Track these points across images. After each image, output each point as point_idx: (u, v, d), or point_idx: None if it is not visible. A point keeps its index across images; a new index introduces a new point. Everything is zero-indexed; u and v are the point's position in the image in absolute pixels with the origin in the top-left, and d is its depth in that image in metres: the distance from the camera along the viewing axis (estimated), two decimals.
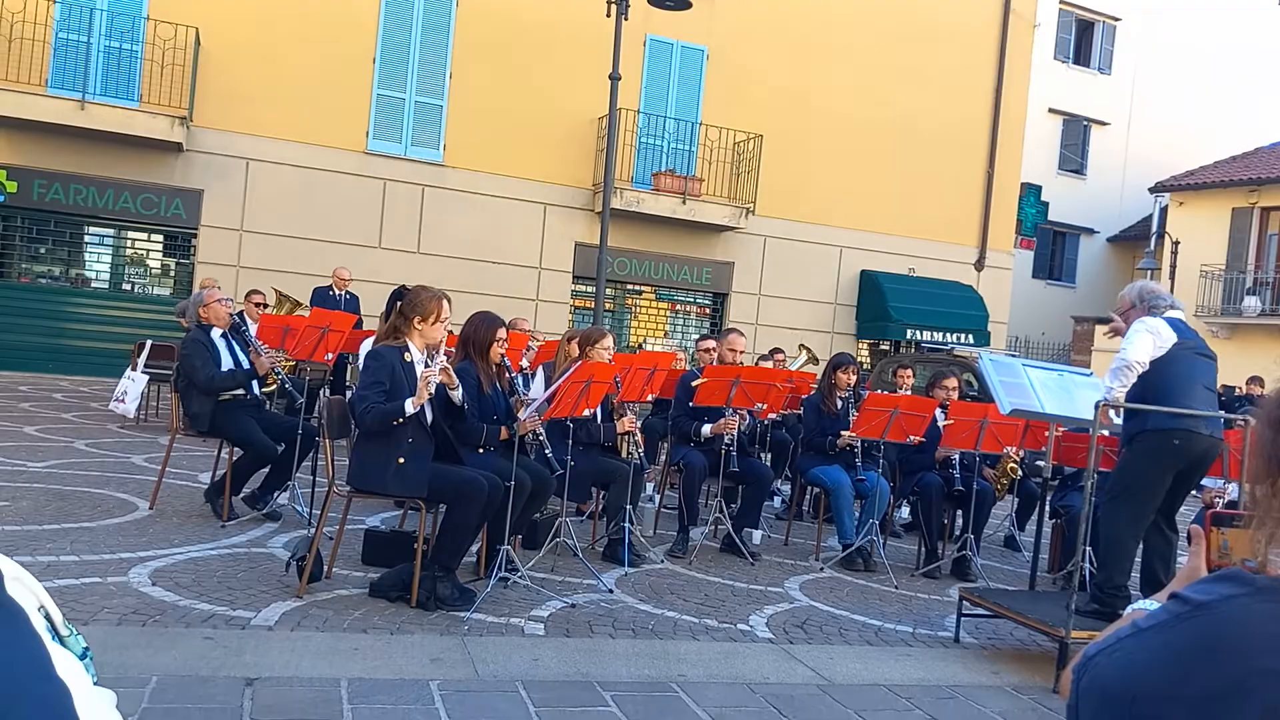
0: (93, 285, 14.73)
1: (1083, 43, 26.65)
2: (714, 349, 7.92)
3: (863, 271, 18.13)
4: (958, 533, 7.15)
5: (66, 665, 0.72)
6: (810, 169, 17.40)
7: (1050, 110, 25.40)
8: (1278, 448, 1.04)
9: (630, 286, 17.39)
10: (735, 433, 6.55)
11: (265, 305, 9.56)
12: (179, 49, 13.72)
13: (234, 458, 6.13)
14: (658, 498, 7.46)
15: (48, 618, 0.76)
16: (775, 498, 8.47)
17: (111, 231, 14.74)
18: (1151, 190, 23.53)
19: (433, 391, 4.66)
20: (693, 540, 6.56)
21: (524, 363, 7.71)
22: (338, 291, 11.42)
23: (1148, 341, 4.85)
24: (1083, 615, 4.70)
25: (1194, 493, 8.18)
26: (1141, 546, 5.25)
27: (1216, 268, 21.57)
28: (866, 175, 17.79)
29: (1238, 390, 14.42)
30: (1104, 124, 26.47)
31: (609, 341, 6.33)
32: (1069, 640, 4.51)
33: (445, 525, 4.83)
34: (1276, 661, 0.96)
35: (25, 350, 13.97)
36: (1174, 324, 4.93)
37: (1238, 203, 21.54)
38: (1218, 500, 6.22)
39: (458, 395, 4.89)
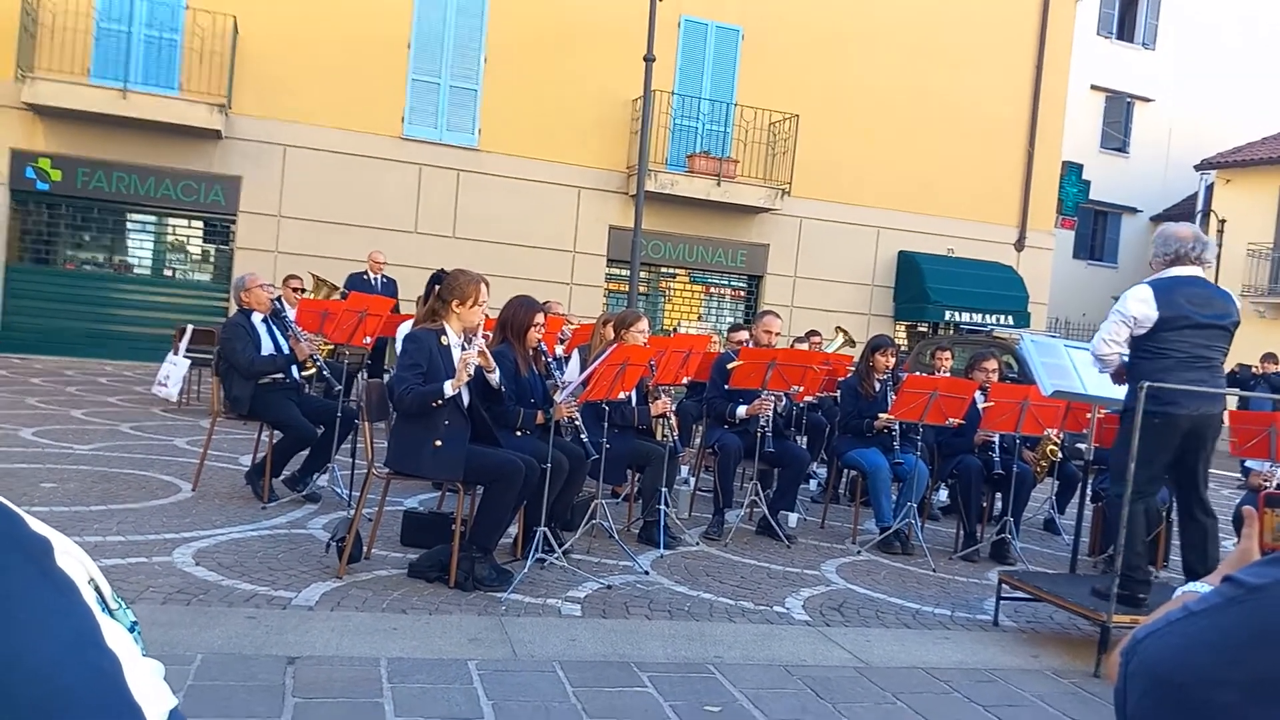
0: (135, 271, 14.96)
1: (1126, 17, 26.10)
2: (745, 339, 7.87)
3: (900, 252, 17.94)
4: (997, 515, 7.08)
5: (116, 636, 0.73)
6: (846, 149, 17.22)
7: (1092, 87, 24.93)
8: None
9: (664, 269, 17.35)
10: (770, 414, 6.52)
11: (303, 290, 9.66)
12: (217, 37, 13.84)
13: (274, 440, 6.22)
14: (693, 480, 7.46)
15: (97, 590, 0.77)
16: (811, 480, 8.43)
17: (153, 218, 14.95)
18: (1197, 168, 23.03)
19: (472, 374, 4.69)
20: (728, 523, 6.56)
21: (559, 347, 7.73)
22: (373, 275, 11.50)
23: (1117, 330, 4.66)
24: (1102, 598, 4.61)
25: (1239, 476, 8.01)
26: (1178, 537, 5.14)
27: (1264, 246, 21.10)
28: (904, 155, 17.58)
29: (1254, 369, 14.05)
30: (1148, 100, 25.94)
31: (644, 324, 6.32)
32: (1110, 624, 4.46)
33: (483, 507, 4.86)
34: None
35: (71, 335, 14.24)
36: (1171, 291, 4.62)
37: None
38: (1265, 483, 6.10)
39: (495, 378, 4.91)
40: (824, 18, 17.01)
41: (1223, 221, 21.47)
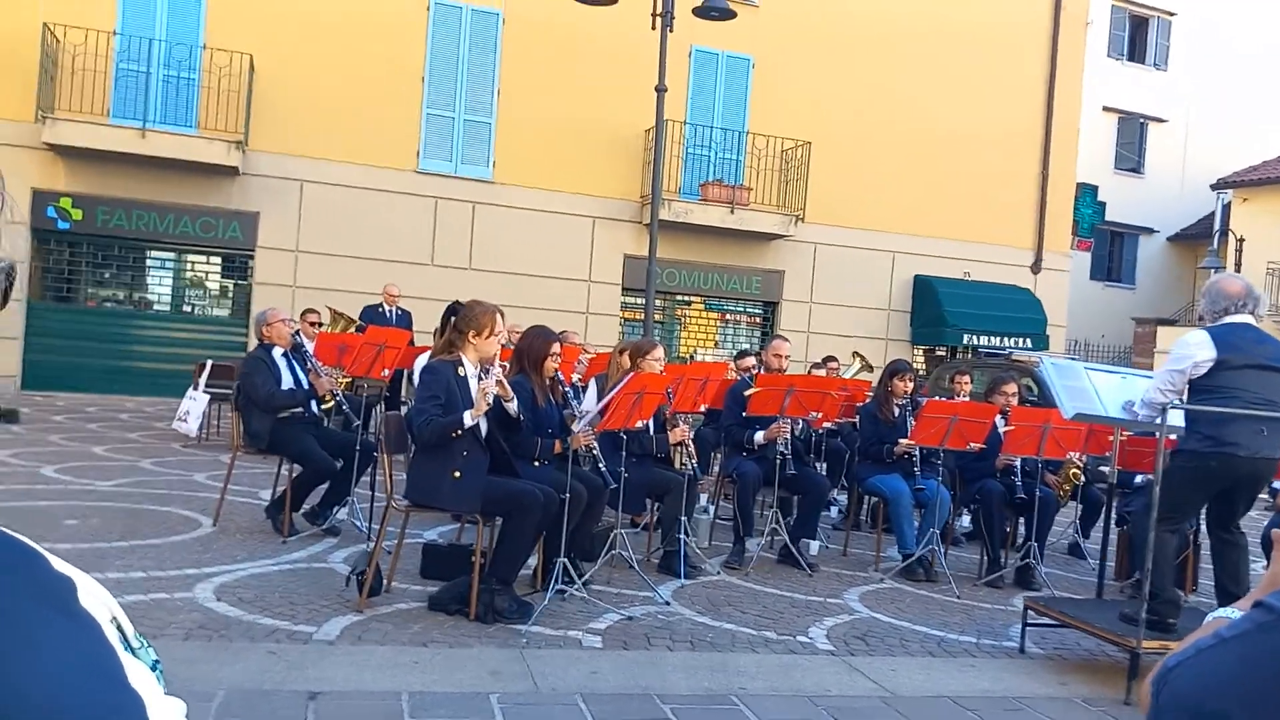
0: (155, 308, 15.10)
1: (1137, 39, 26.13)
2: (754, 365, 7.84)
3: (916, 276, 17.90)
4: (1021, 541, 7.00)
5: (139, 675, 0.73)
6: (860, 174, 17.25)
7: (1105, 108, 24.92)
8: None
9: (680, 297, 17.37)
10: (789, 440, 6.49)
11: (320, 324, 9.72)
12: (234, 75, 14.04)
13: (294, 474, 6.23)
14: (712, 509, 7.42)
15: (120, 629, 0.77)
16: (832, 508, 8.37)
17: (172, 255, 15.11)
18: (1213, 187, 22.94)
19: (490, 403, 4.69)
20: (749, 551, 6.51)
21: (575, 376, 7.74)
22: (388, 308, 11.56)
23: (1173, 379, 4.64)
24: (1130, 623, 4.56)
25: (1267, 498, 7.94)
26: (1211, 558, 5.10)
27: None
28: (917, 179, 17.59)
29: None
30: (1161, 121, 25.90)
31: (660, 352, 6.32)
32: (1140, 650, 4.39)
33: (502, 538, 4.85)
34: None
35: (92, 372, 14.35)
36: (1228, 335, 4.65)
37: None
38: None
39: (513, 407, 4.91)
40: (834, 45, 17.10)
41: (1241, 240, 21.35)
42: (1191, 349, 4.65)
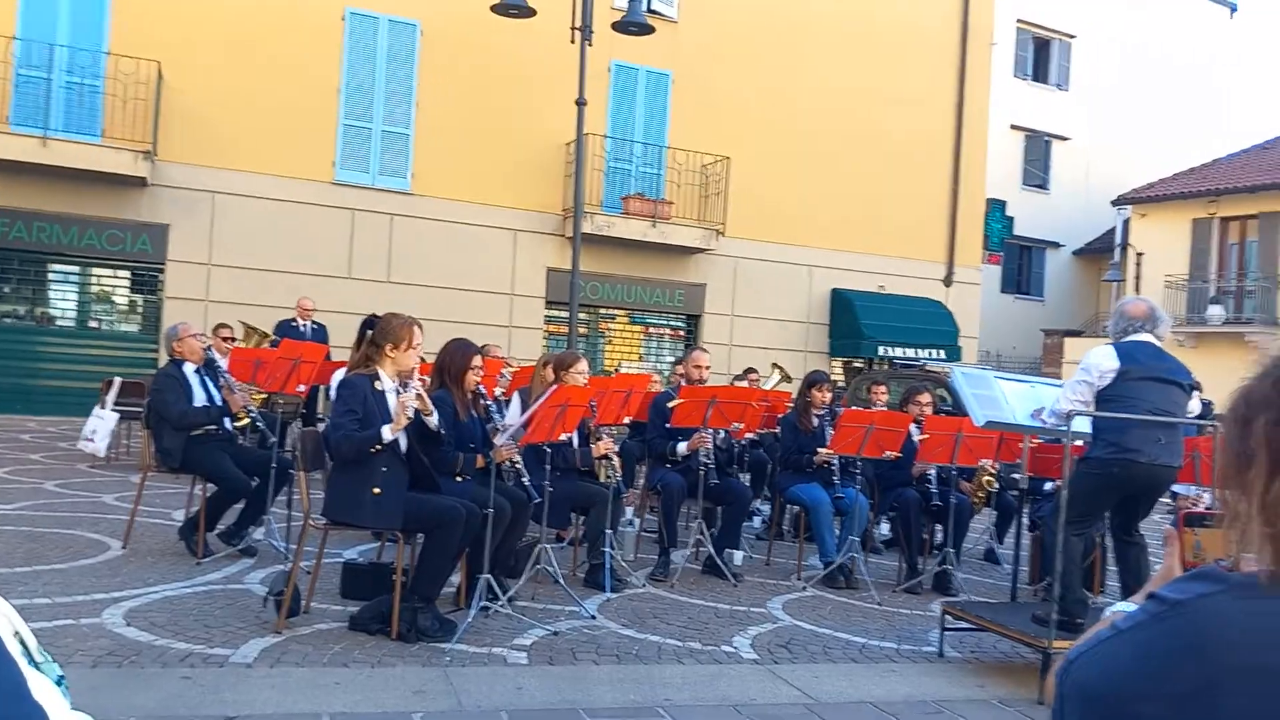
0: (58, 323, 14.54)
1: (1040, 60, 27.11)
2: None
3: (834, 290, 18.25)
4: (938, 547, 7.17)
5: (42, 689, 0.71)
6: (778, 190, 17.53)
7: (1012, 126, 25.79)
8: (1245, 443, 1.06)
9: (603, 310, 17.40)
10: (712, 450, 6.54)
11: (233, 339, 9.47)
12: (141, 83, 13.64)
13: (207, 494, 6.06)
14: (637, 521, 7.43)
15: (22, 643, 0.75)
16: (755, 517, 8.46)
17: (76, 269, 14.58)
18: (1114, 203, 23.90)
19: (410, 417, 4.63)
20: (674, 563, 6.54)
21: (498, 390, 7.69)
22: (302, 322, 11.33)
23: (1083, 390, 4.91)
24: (1042, 624, 4.73)
25: (1168, 501, 8.27)
26: (1115, 560, 5.33)
27: (1180, 278, 21.91)
28: (834, 195, 17.95)
29: None
30: (1065, 139, 26.90)
31: (584, 365, 6.33)
32: (1051, 650, 4.53)
33: (424, 555, 4.79)
34: (1251, 658, 0.96)
35: None
36: (1130, 349, 4.93)
37: (1198, 214, 21.92)
38: (1193, 507, 6.28)
39: (434, 421, 4.86)
40: (751, 61, 17.37)
41: (1140, 254, 22.26)
42: (1097, 359, 4.91)
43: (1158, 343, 5.05)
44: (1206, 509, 1.25)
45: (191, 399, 6.16)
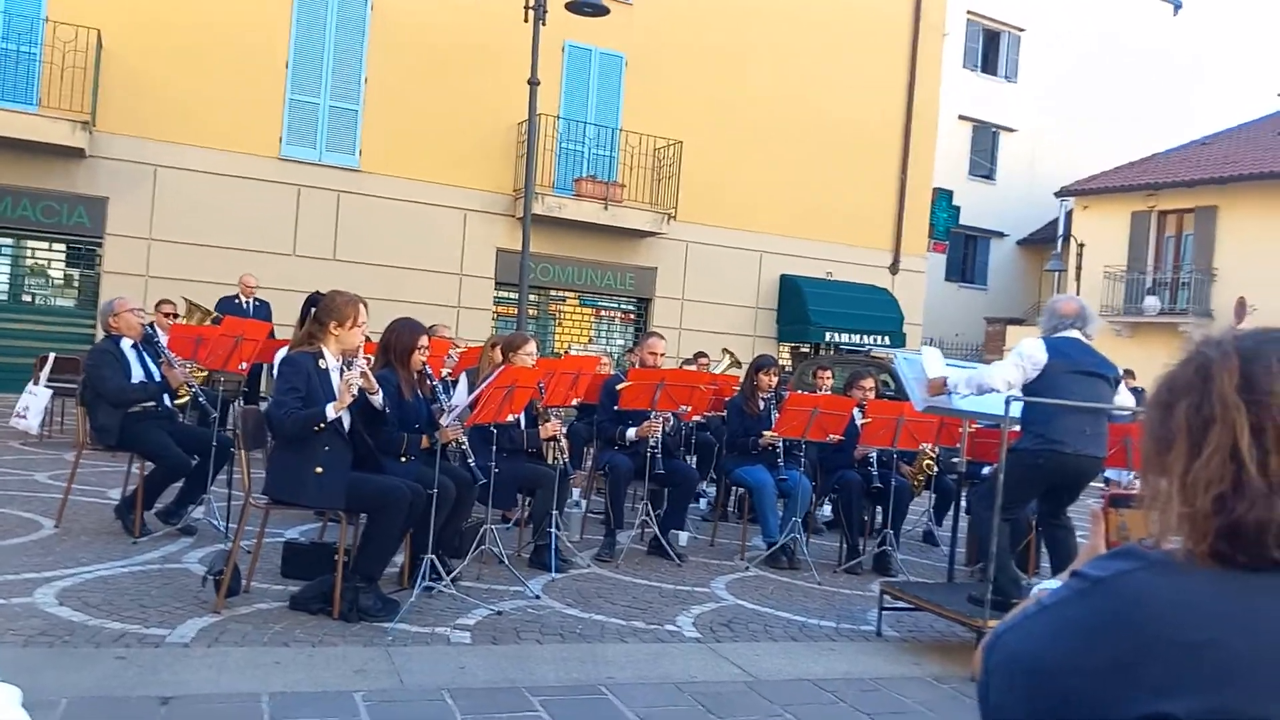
0: None
1: (989, 52, 27.46)
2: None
3: (783, 276, 18.38)
4: (878, 529, 7.29)
5: None
6: (729, 175, 17.58)
7: (960, 117, 26.11)
8: (1166, 427, 1.09)
9: (554, 292, 17.34)
10: (660, 435, 6.58)
11: (175, 315, 9.29)
12: (80, 51, 13.24)
13: (145, 472, 5.95)
14: (584, 502, 7.45)
15: None
16: (701, 499, 8.53)
17: (10, 241, 14.14)
18: (1057, 195, 24.33)
19: (355, 394, 4.59)
20: (620, 544, 6.57)
21: (445, 370, 7.64)
22: (245, 299, 11.13)
23: (1012, 371, 5.06)
24: (977, 604, 4.85)
25: (1100, 485, 8.48)
26: (1044, 543, 5.49)
27: (1118, 269, 22.40)
28: (784, 181, 18.05)
29: None
30: (1011, 130, 27.30)
31: (532, 347, 6.32)
32: (986, 630, 4.63)
33: (367, 535, 4.75)
34: (1170, 632, 1.00)
35: None
36: (1059, 344, 5.09)
37: (1137, 206, 22.42)
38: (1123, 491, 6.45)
39: (378, 400, 4.82)
40: (705, 46, 17.37)
41: (1081, 245, 22.70)
42: (1029, 350, 5.07)
43: (1086, 340, 5.22)
44: (1131, 491, 1.29)
45: (129, 375, 6.03)
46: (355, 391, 4.58)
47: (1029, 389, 5.03)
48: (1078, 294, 21.94)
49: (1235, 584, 1.02)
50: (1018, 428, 5.25)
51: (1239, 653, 0.99)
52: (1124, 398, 5.48)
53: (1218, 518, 1.02)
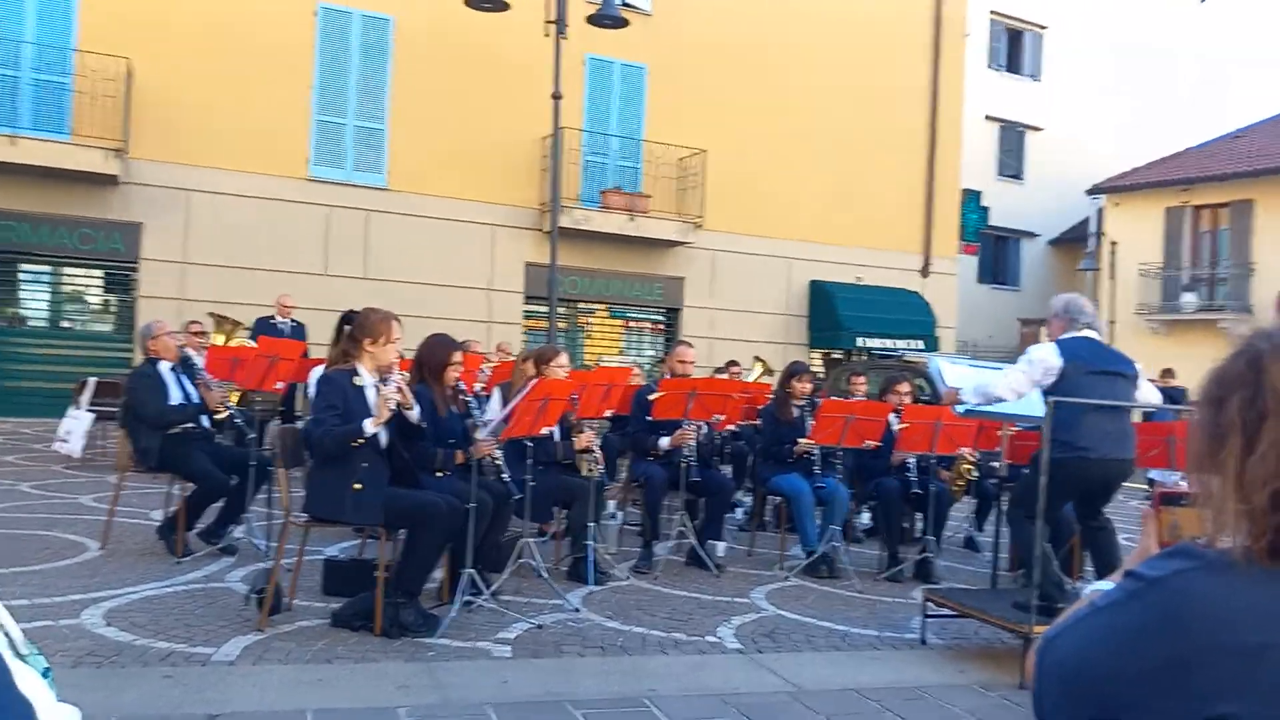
0: (30, 324, 14.37)
1: (1014, 50, 27.26)
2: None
3: (812, 282, 18.30)
4: (918, 535, 7.21)
5: (28, 681, 0.71)
6: (755, 182, 17.55)
7: (987, 117, 25.92)
8: (1218, 423, 1.07)
9: (583, 305, 17.38)
10: (694, 444, 6.55)
11: (204, 333, 9.40)
12: (110, 80, 13.48)
13: (186, 493, 6.01)
14: (620, 514, 7.44)
15: (7, 636, 0.74)
16: (737, 509, 8.48)
17: (48, 268, 14.41)
18: (1088, 192, 24.08)
19: (392, 410, 4.61)
20: (657, 555, 6.54)
21: (478, 385, 7.67)
22: (281, 319, 11.24)
23: (1020, 379, 4.97)
24: (1022, 610, 4.77)
25: (1144, 486, 8.32)
26: (1085, 546, 5.40)
27: (1154, 266, 22.12)
28: (811, 187, 17.99)
29: (1154, 383, 14.76)
30: (1038, 129, 27.07)
31: (564, 359, 6.32)
32: (1032, 635, 4.57)
33: (406, 551, 4.77)
34: (1227, 635, 0.98)
35: None
36: (1073, 345, 4.96)
37: (1171, 202, 22.13)
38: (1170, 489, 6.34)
39: (414, 415, 4.84)
40: (726, 55, 17.37)
41: (1114, 243, 22.45)
42: (1042, 355, 4.97)
43: (1098, 337, 5.10)
44: (1182, 489, 1.27)
45: (168, 397, 6.11)
46: (393, 407, 4.60)
47: (1049, 394, 4.90)
48: (1113, 293, 21.74)
49: None
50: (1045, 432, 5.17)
51: None
52: (1146, 392, 5.35)
53: (1276, 514, 1.00)
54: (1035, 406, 5.18)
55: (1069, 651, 1.12)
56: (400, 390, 4.66)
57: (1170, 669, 0.99)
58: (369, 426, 4.53)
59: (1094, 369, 4.94)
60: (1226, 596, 0.99)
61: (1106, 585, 1.18)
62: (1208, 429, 1.09)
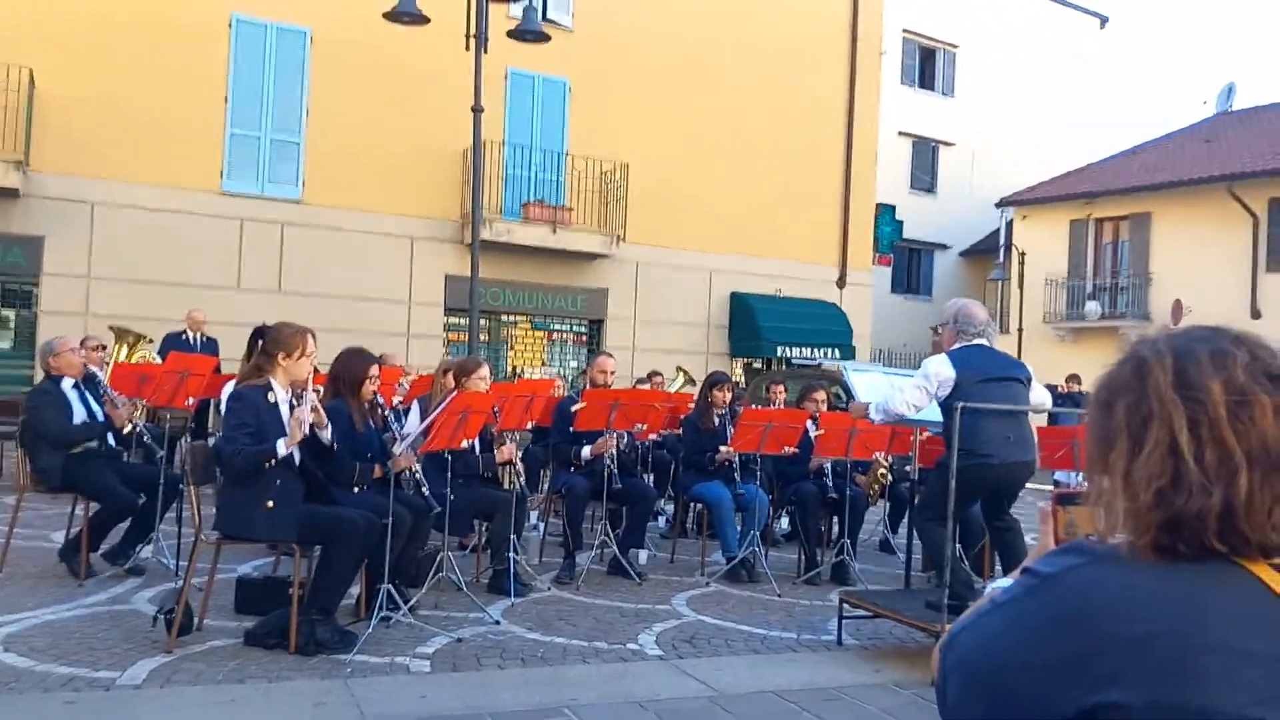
0: None
1: (926, 68, 28.02)
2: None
3: (733, 293, 18.51)
4: (835, 539, 7.34)
5: None
6: (677, 195, 17.69)
7: (900, 133, 26.56)
8: (1107, 426, 1.12)
9: (505, 317, 17.29)
10: (616, 453, 6.57)
11: (103, 347, 9.10)
12: (11, 91, 12.99)
13: (89, 513, 5.81)
14: (542, 525, 7.42)
15: None
16: (659, 517, 8.52)
17: None
18: (997, 205, 24.83)
19: (306, 431, 4.54)
20: (579, 565, 6.54)
21: (396, 399, 7.57)
22: (192, 334, 10.95)
23: (917, 394, 5.11)
24: (934, 609, 4.89)
25: (1051, 488, 8.60)
26: (993, 546, 5.55)
27: (1059, 276, 22.88)
28: (731, 200, 18.20)
29: (1059, 388, 15.31)
30: (950, 144, 27.83)
31: (485, 371, 6.29)
32: (943, 633, 4.68)
33: (321, 567, 4.70)
34: (1117, 624, 1.02)
35: None
36: (965, 355, 5.08)
37: (1075, 215, 22.95)
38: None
39: (326, 435, 4.77)
40: (647, 70, 17.51)
41: (1023, 254, 23.18)
42: (936, 368, 5.09)
43: (988, 344, 5.21)
44: (1079, 489, 1.32)
45: (71, 415, 5.91)
46: (306, 429, 4.53)
47: (946, 406, 5.01)
48: (1022, 302, 22.43)
49: (1178, 575, 1.04)
50: (945, 438, 5.28)
51: (1184, 644, 1.01)
52: (1039, 394, 5.49)
53: (1159, 510, 1.05)
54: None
55: (970, 647, 1.16)
56: (315, 409, 4.59)
57: (1066, 659, 1.03)
58: (282, 447, 4.46)
59: (988, 376, 5.05)
60: (1116, 589, 1.04)
61: (1006, 582, 1.22)
62: (1098, 432, 1.14)
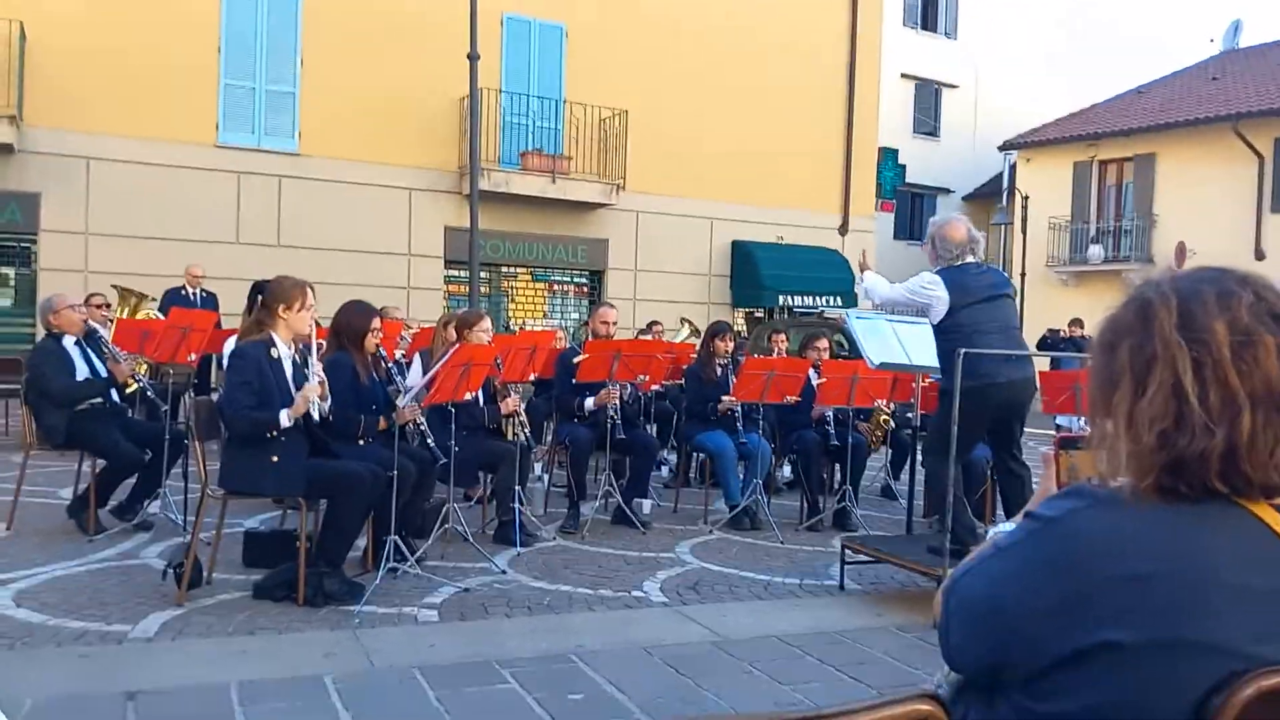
0: None
1: (929, 9, 27.57)
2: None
3: (734, 242, 18.41)
4: (837, 486, 7.39)
5: None
6: (676, 143, 17.51)
7: (902, 75, 26.22)
8: (1110, 368, 1.11)
9: (505, 269, 17.22)
10: (618, 404, 6.59)
11: (108, 305, 9.10)
12: (2, 44, 12.82)
13: (96, 469, 5.85)
14: (546, 477, 7.46)
15: None
16: (663, 467, 8.57)
17: None
18: (1000, 148, 24.58)
19: (311, 405, 4.57)
20: (584, 515, 6.59)
21: (399, 352, 7.57)
22: (192, 290, 10.93)
23: (896, 294, 5.24)
24: (936, 554, 4.92)
25: (1054, 432, 8.62)
26: (999, 489, 5.56)
27: (1063, 219, 22.74)
28: (731, 147, 18.02)
29: (1062, 333, 15.29)
30: (953, 87, 27.49)
31: (487, 323, 6.30)
32: (945, 577, 4.73)
33: (328, 520, 4.74)
34: (1117, 567, 1.03)
35: None
36: (955, 276, 5.03)
37: (1079, 157, 22.73)
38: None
39: (326, 406, 4.78)
40: (644, 14, 17.23)
41: (1026, 198, 23.01)
42: (926, 281, 5.08)
43: (974, 259, 5.18)
44: (1081, 434, 1.32)
45: (73, 373, 5.92)
46: (313, 404, 4.57)
47: (942, 329, 5.01)
48: (1024, 246, 22.32)
49: (1179, 516, 1.05)
50: (941, 377, 5.26)
51: (1184, 582, 1.02)
52: None
53: (1162, 452, 1.05)
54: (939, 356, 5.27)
55: (973, 589, 1.17)
56: (322, 383, 4.62)
57: (1067, 601, 1.04)
58: (284, 419, 4.49)
59: (979, 297, 5.02)
60: (1117, 531, 1.04)
61: (1009, 527, 1.23)
62: (1101, 374, 1.13)
